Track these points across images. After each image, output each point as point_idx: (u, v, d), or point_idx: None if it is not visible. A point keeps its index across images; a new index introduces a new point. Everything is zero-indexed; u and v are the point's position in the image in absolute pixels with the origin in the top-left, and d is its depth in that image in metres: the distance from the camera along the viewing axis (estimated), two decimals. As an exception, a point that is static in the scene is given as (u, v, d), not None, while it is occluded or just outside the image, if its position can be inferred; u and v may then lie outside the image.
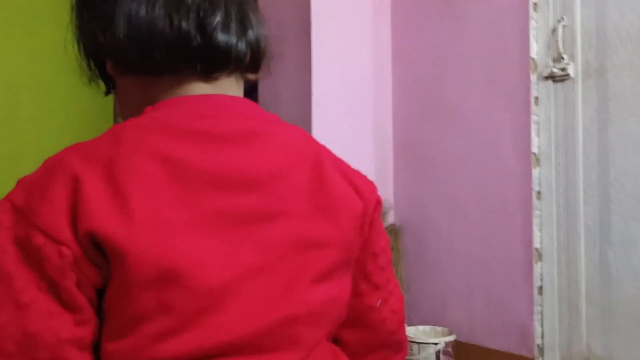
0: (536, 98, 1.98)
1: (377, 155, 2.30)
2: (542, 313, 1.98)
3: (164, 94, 0.55)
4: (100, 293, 0.47)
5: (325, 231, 0.53)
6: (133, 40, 0.53)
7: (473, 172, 2.15)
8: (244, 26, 0.56)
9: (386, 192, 2.40)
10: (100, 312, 0.47)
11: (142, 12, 0.53)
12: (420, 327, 2.17)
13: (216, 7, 0.54)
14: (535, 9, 1.96)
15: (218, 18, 0.54)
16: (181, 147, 0.49)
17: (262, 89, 2.24)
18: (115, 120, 3.68)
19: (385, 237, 0.63)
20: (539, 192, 1.98)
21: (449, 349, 2.01)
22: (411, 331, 2.14)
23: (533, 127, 1.97)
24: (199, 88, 0.55)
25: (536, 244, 1.97)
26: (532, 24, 1.96)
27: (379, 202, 0.60)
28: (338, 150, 1.94)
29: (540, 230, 1.98)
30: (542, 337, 1.98)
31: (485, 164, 2.11)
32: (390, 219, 2.38)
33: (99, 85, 0.64)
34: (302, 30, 2.07)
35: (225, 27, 0.54)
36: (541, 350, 1.98)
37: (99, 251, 0.45)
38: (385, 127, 2.42)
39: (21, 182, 0.50)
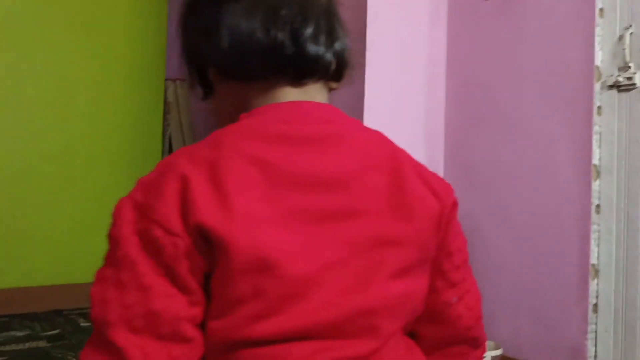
0: (599, 108, 1.90)
1: (427, 163, 2.26)
2: (596, 332, 1.89)
3: (257, 98, 0.62)
4: (207, 278, 0.53)
5: (401, 230, 0.57)
6: (234, 49, 0.60)
7: (527, 184, 2.08)
8: (331, 38, 0.62)
9: (435, 200, 2.35)
10: (207, 294, 0.54)
11: (243, 24, 0.60)
12: None
13: (308, 20, 0.60)
14: (601, 15, 1.89)
15: (309, 30, 0.60)
16: (271, 150, 0.55)
17: (314, 90, 2.23)
18: (164, 120, 3.74)
19: (462, 237, 0.66)
20: (598, 206, 1.90)
21: (495, 364, 1.94)
22: (456, 343, 2.07)
23: (594, 138, 1.90)
24: (289, 93, 0.62)
25: (593, 260, 1.89)
26: (598, 30, 1.89)
27: (455, 203, 0.65)
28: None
29: (598, 246, 1.89)
30: (595, 357, 1.89)
31: (540, 176, 2.04)
32: (438, 227, 2.34)
33: (199, 90, 0.70)
34: (357, 35, 2.05)
35: (316, 39, 0.61)
36: (594, 372, 1.89)
37: (205, 242, 0.51)
38: (436, 135, 2.37)
39: (140, 182, 0.57)
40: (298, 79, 0.61)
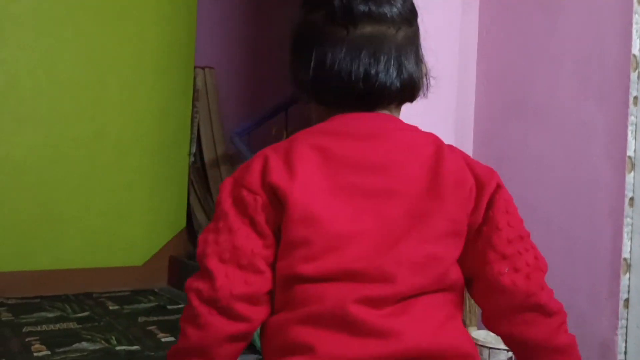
0: (635, 98, 1.85)
1: (455, 151, 2.23)
2: (626, 328, 1.85)
3: (332, 115, 0.77)
4: (279, 229, 0.70)
5: (432, 207, 0.71)
6: (316, 82, 0.75)
7: (558, 175, 2.04)
8: (399, 70, 0.75)
9: (463, 190, 2.32)
10: (278, 242, 0.71)
11: (328, 61, 0.74)
12: (492, 332, 2.08)
13: (380, 58, 0.73)
14: (639, 3, 1.83)
15: (381, 67, 0.73)
16: (329, 141, 0.72)
17: (342, 78, 2.21)
18: (193, 107, 3.77)
19: (514, 215, 0.75)
20: (631, 199, 1.85)
21: (522, 357, 1.92)
22: (482, 335, 2.05)
23: (630, 128, 1.85)
24: (359, 112, 0.78)
25: (625, 253, 1.85)
26: (635, 18, 1.84)
27: (499, 185, 0.76)
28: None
29: (631, 240, 1.85)
30: (625, 353, 1.85)
31: (572, 167, 2.00)
32: (466, 217, 2.31)
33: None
34: (387, 20, 2.03)
35: (385, 73, 0.74)
36: (623, 368, 1.85)
37: (276, 198, 0.70)
38: (466, 124, 2.34)
39: (241, 166, 0.75)
40: (368, 110, 0.77)
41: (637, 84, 1.84)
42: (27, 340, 2.36)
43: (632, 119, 1.85)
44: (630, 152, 1.85)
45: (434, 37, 2.14)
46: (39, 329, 2.53)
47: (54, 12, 3.23)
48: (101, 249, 3.38)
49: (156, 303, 3.08)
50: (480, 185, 0.74)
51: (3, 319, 2.66)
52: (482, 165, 0.77)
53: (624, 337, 1.85)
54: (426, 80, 0.82)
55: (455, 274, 0.73)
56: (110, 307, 2.98)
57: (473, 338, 1.98)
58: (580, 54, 1.99)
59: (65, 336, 2.43)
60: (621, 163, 1.86)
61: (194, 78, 3.78)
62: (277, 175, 0.69)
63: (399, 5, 0.77)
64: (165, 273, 3.56)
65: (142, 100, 3.50)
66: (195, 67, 3.78)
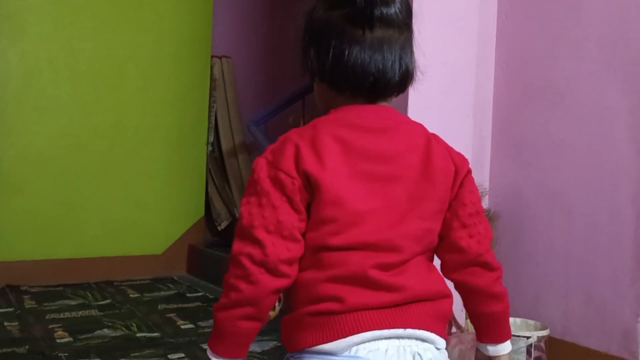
0: (659, 81, 1.80)
1: (474, 137, 2.20)
2: (649, 316, 1.82)
3: (342, 102, 0.90)
4: (309, 206, 0.85)
5: (426, 190, 0.88)
6: (332, 72, 0.89)
7: (580, 159, 2.00)
8: (401, 64, 0.88)
9: (482, 177, 2.29)
10: (308, 216, 0.86)
11: (345, 57, 0.87)
12: (511, 319, 2.06)
13: (388, 57, 0.87)
14: (665, -17, 1.79)
15: (388, 65, 0.87)
16: (348, 134, 0.86)
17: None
18: (211, 96, 3.77)
19: (476, 194, 0.94)
20: (655, 184, 1.81)
21: (542, 344, 1.90)
22: (501, 323, 2.03)
23: (654, 112, 1.80)
24: (370, 105, 0.91)
25: (648, 240, 1.81)
26: (661, -1, 1.79)
27: (469, 171, 0.94)
28: (434, 130, 1.90)
29: (654, 226, 1.81)
30: (648, 341, 1.82)
31: (594, 151, 1.96)
32: (485, 204, 2.28)
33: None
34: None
35: (392, 70, 0.87)
36: (646, 356, 1.82)
37: (308, 183, 0.84)
38: (485, 109, 2.30)
39: (269, 149, 0.87)
40: (371, 100, 0.90)
41: (662, 66, 1.80)
42: (50, 327, 2.40)
43: (656, 102, 1.81)
44: (654, 136, 1.81)
45: (453, 22, 2.12)
46: (61, 316, 2.58)
47: (73, 2, 3.25)
48: (121, 238, 3.42)
49: (175, 291, 3.11)
50: (457, 171, 0.91)
51: (27, 306, 2.71)
52: (457, 153, 0.94)
53: (647, 325, 1.82)
54: (415, 72, 0.93)
55: (436, 239, 0.93)
56: (131, 295, 3.01)
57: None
58: (604, 36, 1.95)
59: (87, 323, 2.46)
60: (645, 147, 1.82)
61: (211, 67, 3.79)
62: (310, 164, 0.84)
63: (401, 9, 0.89)
64: (184, 261, 3.59)
65: (161, 89, 3.52)
66: (212, 57, 3.79)
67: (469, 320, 2.14)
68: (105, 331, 2.36)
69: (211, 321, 2.29)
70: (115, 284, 3.23)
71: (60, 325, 2.43)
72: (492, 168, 2.31)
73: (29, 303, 2.76)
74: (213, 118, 3.79)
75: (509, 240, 2.22)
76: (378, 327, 0.83)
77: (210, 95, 3.78)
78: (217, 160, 3.86)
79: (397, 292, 0.84)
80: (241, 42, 4.13)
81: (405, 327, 0.84)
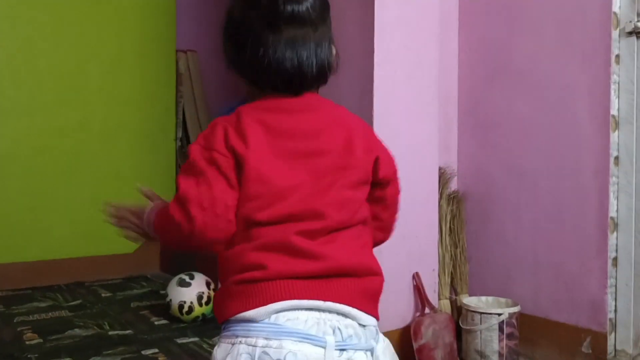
0: (617, 56, 1.84)
1: (440, 120, 2.22)
2: (615, 286, 1.86)
3: (265, 95, 0.94)
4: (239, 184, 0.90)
5: (349, 161, 0.93)
6: (251, 70, 0.94)
7: (543, 138, 2.04)
8: (317, 59, 0.93)
9: (449, 158, 2.31)
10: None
11: (260, 54, 0.91)
12: (483, 298, 2.09)
13: (303, 54, 0.91)
14: (618, -40, 1.82)
15: (303, 60, 0.91)
16: (270, 116, 0.91)
17: (323, 51, 2.19)
18: (177, 91, 3.73)
19: (392, 168, 1.03)
20: (616, 158, 1.85)
21: (513, 321, 1.93)
22: (473, 301, 2.06)
23: (612, 87, 1.84)
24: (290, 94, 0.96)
25: (612, 212, 1.85)
26: (615, -24, 1.83)
27: (385, 154, 1.00)
28: (400, 113, 1.89)
29: (617, 198, 1.85)
30: (615, 311, 1.86)
31: (557, 129, 1.99)
32: (453, 185, 2.30)
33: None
34: (366, -11, 2.00)
35: (308, 64, 0.92)
36: (614, 326, 1.86)
37: (237, 161, 0.88)
38: (449, 91, 2.32)
39: (200, 135, 0.93)
40: (292, 95, 0.94)
41: (619, 42, 1.84)
42: (19, 329, 2.34)
43: (614, 77, 1.84)
44: (614, 111, 1.85)
45: (415, 6, 2.13)
46: (30, 318, 2.52)
47: (33, 0, 3.17)
48: (91, 238, 3.36)
49: (149, 288, 3.07)
50: (376, 153, 0.97)
51: (-6, 310, 2.64)
52: (377, 139, 1.02)
53: (614, 296, 1.86)
54: (336, 61, 0.99)
55: (365, 211, 0.96)
56: (103, 295, 2.96)
57: (464, 304, 1.98)
58: (561, 14, 1.98)
59: (57, 324, 2.41)
60: (605, 123, 1.86)
61: (177, 62, 3.74)
62: (236, 143, 0.88)
63: (314, 5, 0.93)
64: (157, 259, 3.55)
65: (125, 86, 3.46)
66: (177, 51, 3.74)
67: (442, 301, 2.16)
68: (77, 331, 2.31)
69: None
70: (86, 284, 3.18)
71: (29, 327, 2.38)
72: (459, 150, 2.34)
73: (-4, 307, 2.69)
74: (180, 113, 3.74)
75: (478, 220, 2.25)
76: (298, 296, 0.84)
77: (177, 90, 3.73)
78: (186, 155, 3.82)
79: (321, 261, 0.85)
80: (206, 36, 4.09)
81: (325, 300, 0.85)
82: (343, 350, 0.84)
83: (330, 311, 0.85)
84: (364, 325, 0.88)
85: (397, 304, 2.01)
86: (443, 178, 2.20)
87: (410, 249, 2.04)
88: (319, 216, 0.87)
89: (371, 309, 0.90)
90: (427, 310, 2.01)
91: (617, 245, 1.86)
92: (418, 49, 2.10)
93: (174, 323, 2.46)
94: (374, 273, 0.92)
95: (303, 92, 0.94)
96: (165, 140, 3.61)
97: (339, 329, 0.85)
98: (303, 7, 0.91)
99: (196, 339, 2.23)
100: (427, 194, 2.10)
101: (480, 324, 1.92)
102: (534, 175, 2.07)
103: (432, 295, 2.08)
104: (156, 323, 2.46)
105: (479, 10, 2.27)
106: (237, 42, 0.94)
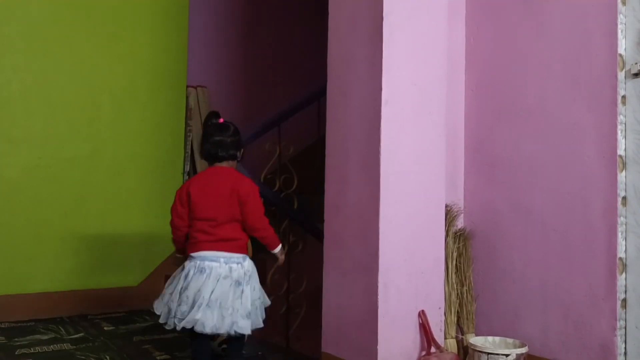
0: (623, 97, 1.85)
1: (447, 157, 2.22)
2: (625, 329, 1.83)
3: (211, 166, 2.13)
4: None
5: (229, 198, 2.04)
6: (204, 152, 2.12)
7: (551, 177, 2.04)
8: (227, 148, 2.08)
9: (456, 196, 2.31)
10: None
11: (206, 146, 2.10)
12: (490, 338, 2.05)
13: (220, 146, 2.07)
14: (623, 3, 1.86)
15: (222, 151, 2.08)
16: (201, 180, 2.10)
17: (331, 88, 2.22)
18: (186, 125, 3.77)
19: (249, 205, 2.05)
20: (624, 198, 1.85)
21: (521, 362, 1.89)
22: (480, 341, 2.02)
23: (619, 128, 1.85)
24: (216, 166, 2.11)
25: (620, 253, 1.84)
26: (621, 18, 1.85)
27: (246, 193, 2.05)
28: (407, 150, 1.89)
29: (625, 239, 1.84)
30: (625, 355, 1.83)
31: (564, 168, 1.99)
32: (460, 223, 2.29)
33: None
34: (374, 28, 2.04)
35: (223, 153, 2.08)
36: (624, 369, 1.82)
37: (188, 197, 2.08)
38: (456, 129, 2.34)
39: (181, 187, 2.13)
40: (222, 163, 2.10)
41: (625, 83, 1.85)
42: (20, 361, 2.32)
43: (621, 118, 1.85)
44: (620, 152, 1.85)
45: (423, 45, 2.16)
46: (32, 350, 2.50)
47: (47, 34, 3.25)
48: (96, 270, 3.35)
49: (152, 322, 3.04)
50: (240, 193, 2.03)
51: (-4, 342, 2.62)
52: (243, 181, 2.07)
53: (623, 338, 1.83)
54: (240, 152, 2.14)
55: (237, 215, 2.04)
56: (105, 328, 2.94)
57: (471, 344, 1.94)
58: (568, 55, 2.00)
59: (58, 357, 2.39)
60: (612, 162, 1.86)
61: (187, 97, 3.80)
62: (189, 189, 2.05)
63: (231, 133, 2.11)
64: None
65: (136, 120, 3.51)
66: (187, 87, 3.80)
67: (448, 340, 2.12)
68: (78, 364, 2.29)
69: (188, 351, 2.26)
70: (89, 317, 3.15)
71: (30, 359, 2.35)
72: (465, 187, 2.34)
73: (-2, 339, 2.67)
74: (189, 147, 3.78)
75: (485, 258, 2.23)
76: (207, 249, 2.01)
77: (186, 125, 3.78)
78: (193, 189, 3.83)
79: (215, 236, 2.01)
80: (216, 72, 4.16)
81: (217, 250, 2.01)
82: (227, 264, 2.00)
83: (222, 256, 2.01)
84: (233, 256, 2.03)
85: (403, 341, 1.98)
86: (450, 215, 2.20)
87: (417, 287, 2.02)
88: (215, 219, 2.02)
89: (235, 250, 2.03)
90: (433, 349, 1.98)
91: (625, 286, 1.83)
92: (425, 86, 2.12)
93: (175, 358, 2.42)
94: (238, 239, 2.05)
95: (219, 164, 2.09)
96: (173, 173, 3.64)
97: (223, 257, 2.00)
98: (226, 134, 2.10)
99: (198, 374, 2.20)
100: (434, 231, 2.09)
101: (488, 364, 1.88)
102: (542, 213, 2.06)
103: (438, 333, 2.05)
104: (158, 358, 2.43)
105: (486, 48, 2.30)
106: (202, 141, 2.12)
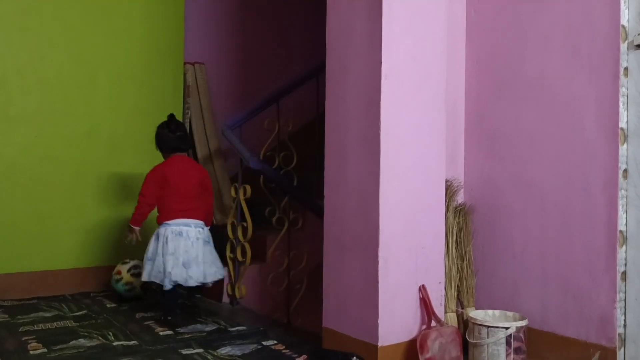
0: (625, 69, 1.83)
1: (447, 132, 2.21)
2: (625, 301, 1.84)
3: (172, 155, 2.76)
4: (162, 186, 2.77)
5: (198, 180, 2.75)
6: (164, 145, 2.76)
7: (552, 150, 2.03)
8: (188, 142, 2.82)
9: (456, 171, 2.30)
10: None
11: (167, 140, 2.75)
12: (490, 311, 2.07)
13: (183, 140, 2.77)
14: (627, -27, 1.82)
15: (182, 144, 2.78)
16: (173, 166, 2.70)
17: (330, 63, 2.19)
18: (185, 103, 3.74)
19: (209, 189, 2.84)
20: (625, 171, 1.84)
21: (521, 335, 1.90)
22: (480, 315, 2.04)
23: (621, 100, 1.83)
24: (177, 155, 2.77)
25: (621, 226, 1.83)
26: (623, -11, 1.82)
27: (206, 176, 2.83)
28: (407, 126, 1.86)
29: (626, 212, 1.84)
30: (625, 326, 1.84)
31: (565, 141, 1.98)
32: (460, 198, 2.29)
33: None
34: (373, 1, 2.01)
35: (185, 144, 2.78)
36: (623, 341, 1.84)
37: (164, 179, 2.70)
38: (456, 103, 2.32)
39: (148, 174, 2.73)
40: (182, 153, 2.77)
41: (627, 55, 1.83)
42: (23, 339, 2.33)
43: (623, 90, 1.84)
44: (622, 124, 1.84)
45: (423, 18, 2.13)
46: (35, 328, 2.51)
47: (42, 10, 3.21)
48: (97, 248, 3.36)
49: (154, 299, 3.05)
50: (204, 179, 2.78)
51: (-1, 320, 2.63)
52: (205, 170, 2.86)
53: (623, 311, 1.84)
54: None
55: (199, 192, 2.74)
56: (108, 305, 2.96)
57: (471, 317, 1.95)
58: (570, 27, 1.98)
59: (61, 334, 2.41)
60: (614, 135, 1.85)
61: (185, 74, 3.76)
62: (168, 174, 2.65)
63: (186, 131, 2.84)
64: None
65: (133, 97, 3.48)
66: (185, 63, 3.76)
67: (448, 314, 2.14)
68: (81, 341, 2.30)
69: (190, 327, 2.28)
70: (91, 294, 3.17)
71: (34, 337, 2.37)
72: (466, 162, 2.33)
73: (1, 317, 2.69)
74: (187, 124, 3.75)
75: (485, 233, 2.23)
76: (181, 217, 2.61)
77: (184, 102, 3.75)
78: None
79: (186, 206, 2.62)
80: (214, 48, 4.11)
81: (188, 218, 2.62)
82: (195, 227, 2.62)
83: (193, 224, 2.63)
84: (198, 222, 2.65)
85: (403, 316, 1.99)
86: (450, 190, 2.19)
87: (417, 261, 2.03)
88: (187, 195, 2.65)
89: (200, 218, 2.65)
90: (433, 323, 1.99)
91: (626, 259, 1.84)
92: (425, 61, 2.10)
93: (178, 334, 2.44)
94: (198, 209, 2.65)
95: (182, 153, 2.75)
96: (172, 151, 3.62)
97: (193, 223, 2.63)
98: (181, 128, 2.76)
99: (200, 350, 2.22)
100: (434, 206, 2.09)
101: (487, 337, 1.90)
102: (542, 187, 2.05)
103: (438, 308, 2.06)
104: (161, 334, 2.45)
105: (486, 22, 2.27)
106: (160, 139, 2.73)
